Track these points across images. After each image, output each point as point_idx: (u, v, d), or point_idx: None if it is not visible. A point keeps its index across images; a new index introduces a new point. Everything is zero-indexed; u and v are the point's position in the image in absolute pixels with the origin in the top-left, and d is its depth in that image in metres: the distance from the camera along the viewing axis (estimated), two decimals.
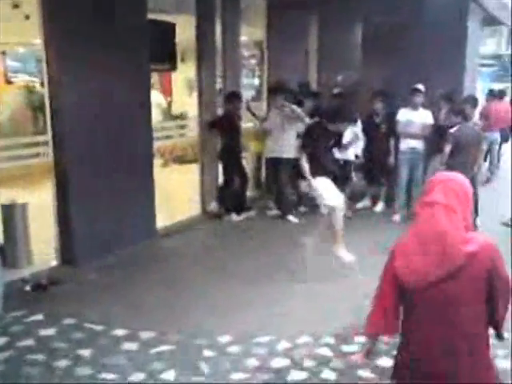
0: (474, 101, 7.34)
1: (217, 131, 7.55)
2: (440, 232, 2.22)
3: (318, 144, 5.79)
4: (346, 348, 4.10)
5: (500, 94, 11.98)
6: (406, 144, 7.65)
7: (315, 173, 5.70)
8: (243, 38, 8.53)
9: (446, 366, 2.26)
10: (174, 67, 7.21)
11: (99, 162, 5.80)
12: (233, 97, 7.57)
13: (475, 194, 7.10)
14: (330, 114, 6.15)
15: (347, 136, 7.05)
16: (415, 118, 7.58)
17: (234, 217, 7.56)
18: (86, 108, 5.60)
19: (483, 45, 19.11)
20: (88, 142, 5.66)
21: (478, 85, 11.52)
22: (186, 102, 7.75)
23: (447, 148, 6.77)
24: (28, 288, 5.10)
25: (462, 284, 2.22)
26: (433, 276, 2.22)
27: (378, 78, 8.59)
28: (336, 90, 8.57)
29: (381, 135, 7.94)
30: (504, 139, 11.26)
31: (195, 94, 7.63)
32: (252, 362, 3.91)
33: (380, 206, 8.25)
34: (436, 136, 7.23)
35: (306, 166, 5.66)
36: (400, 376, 2.43)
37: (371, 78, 8.92)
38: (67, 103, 5.44)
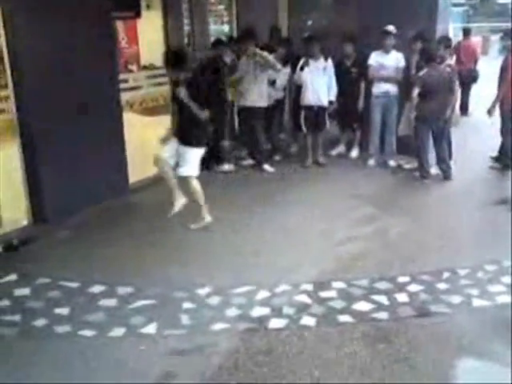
0: (447, 41, 7.21)
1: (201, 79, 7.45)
2: None
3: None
4: (324, 294, 4.14)
5: (465, 33, 11.84)
6: (378, 88, 7.54)
7: None
8: None
9: None
10: (137, 14, 6.93)
11: (66, 116, 5.60)
12: (218, 44, 7.52)
13: (448, 139, 7.14)
14: None
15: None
16: (387, 61, 7.45)
17: (225, 167, 7.53)
18: (48, 60, 5.38)
19: None
20: (53, 96, 5.45)
21: (450, 25, 11.37)
22: (155, 52, 7.50)
23: (415, 92, 6.68)
24: None
25: None
26: None
27: (349, 20, 8.39)
28: (307, 34, 8.38)
29: (352, 79, 7.83)
30: (473, 79, 11.13)
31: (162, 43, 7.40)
32: (232, 312, 3.92)
33: (355, 152, 8.23)
34: (408, 80, 7.15)
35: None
36: None
37: (342, 20, 8.71)
38: (27, 55, 5.20)
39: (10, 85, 5.27)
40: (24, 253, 5.00)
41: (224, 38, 8.33)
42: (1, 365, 3.42)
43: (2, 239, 5.14)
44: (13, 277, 4.49)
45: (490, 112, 7.24)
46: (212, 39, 8.18)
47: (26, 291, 4.26)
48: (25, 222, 5.58)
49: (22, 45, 5.17)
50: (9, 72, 5.23)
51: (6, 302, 4.10)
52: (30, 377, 3.29)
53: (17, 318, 3.89)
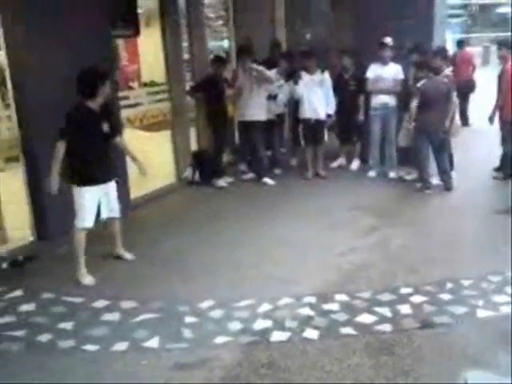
0: (444, 52, 7.26)
1: (201, 95, 7.56)
2: None
3: None
4: (326, 306, 4.14)
5: (459, 44, 11.93)
6: (376, 100, 7.58)
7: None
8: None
9: None
10: (136, 33, 6.99)
11: None
12: (217, 61, 7.61)
13: (449, 149, 7.17)
14: None
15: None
16: (385, 73, 7.50)
17: (223, 181, 7.55)
18: (48, 80, 5.45)
19: None
20: (54, 115, 5.47)
21: (447, 36, 11.43)
22: (155, 69, 7.57)
23: (413, 103, 6.73)
24: (5, 265, 5.02)
25: None
26: None
27: (347, 33, 8.45)
28: (304, 48, 8.45)
29: (350, 92, 7.88)
30: (470, 89, 11.20)
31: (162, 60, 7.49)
32: (235, 326, 3.92)
33: (355, 164, 8.26)
34: (406, 91, 7.20)
35: None
36: None
37: (341, 33, 8.78)
38: (28, 76, 5.30)
39: (13, 104, 5.35)
40: (29, 269, 5.02)
41: (223, 55, 8.43)
42: (5, 379, 3.43)
43: (7, 256, 5.19)
44: (18, 292, 4.53)
45: (490, 119, 7.32)
46: (211, 55, 8.28)
47: (30, 307, 4.29)
48: (30, 239, 5.62)
49: (23, 64, 5.26)
50: (11, 92, 5.32)
51: (11, 318, 4.14)
52: None
53: (22, 333, 3.92)
